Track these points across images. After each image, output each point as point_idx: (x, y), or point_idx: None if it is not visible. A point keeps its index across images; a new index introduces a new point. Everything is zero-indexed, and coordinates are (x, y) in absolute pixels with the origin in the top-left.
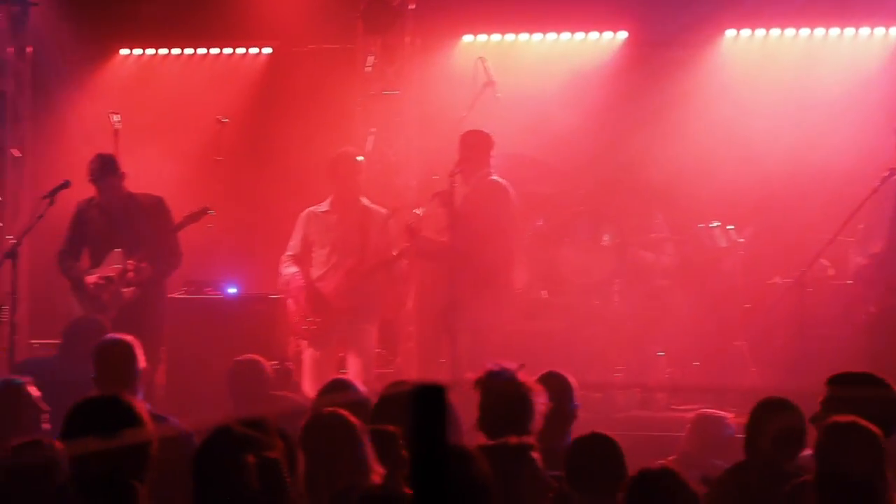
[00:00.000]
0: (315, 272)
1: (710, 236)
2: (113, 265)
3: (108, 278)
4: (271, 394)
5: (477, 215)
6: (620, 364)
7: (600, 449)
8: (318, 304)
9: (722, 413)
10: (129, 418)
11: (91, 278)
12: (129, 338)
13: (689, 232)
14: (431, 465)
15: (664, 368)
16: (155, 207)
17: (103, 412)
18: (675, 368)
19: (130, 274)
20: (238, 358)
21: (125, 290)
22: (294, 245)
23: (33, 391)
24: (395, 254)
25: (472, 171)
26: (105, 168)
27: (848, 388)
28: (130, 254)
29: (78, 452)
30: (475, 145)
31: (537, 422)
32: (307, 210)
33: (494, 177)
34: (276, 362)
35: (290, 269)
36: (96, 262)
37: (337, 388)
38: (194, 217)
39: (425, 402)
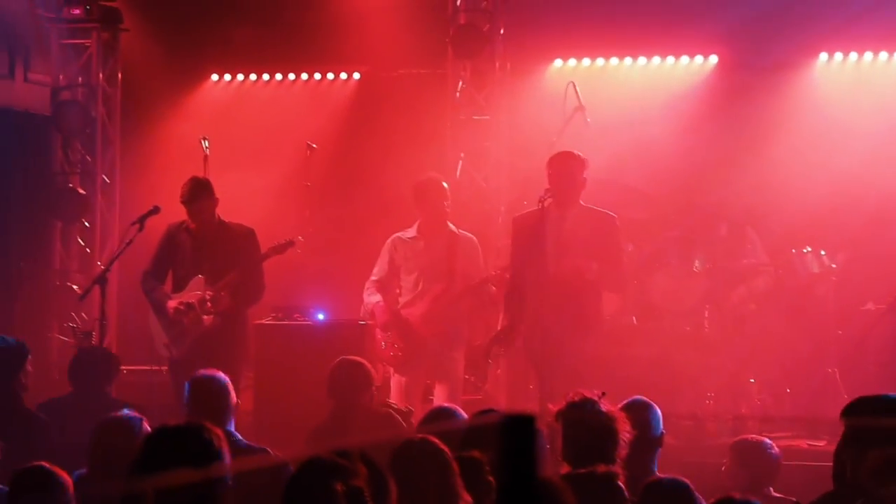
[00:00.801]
0: (402, 298)
1: (803, 261)
2: (195, 291)
3: (188, 304)
4: (378, 407)
5: (582, 245)
6: (711, 391)
7: (673, 495)
8: (404, 330)
9: (761, 437)
10: (204, 447)
11: (172, 303)
12: (221, 374)
13: (782, 257)
14: (521, 496)
15: (755, 395)
16: (245, 238)
17: (178, 441)
18: (766, 395)
19: (208, 304)
20: (344, 357)
21: (205, 317)
22: (379, 271)
23: (147, 427)
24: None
25: (566, 196)
26: (197, 191)
27: (867, 418)
28: (212, 282)
29: (154, 483)
30: (569, 168)
31: (622, 450)
32: (393, 236)
33: (596, 207)
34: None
35: (372, 298)
36: (179, 287)
37: (440, 417)
38: (280, 248)
39: (515, 431)
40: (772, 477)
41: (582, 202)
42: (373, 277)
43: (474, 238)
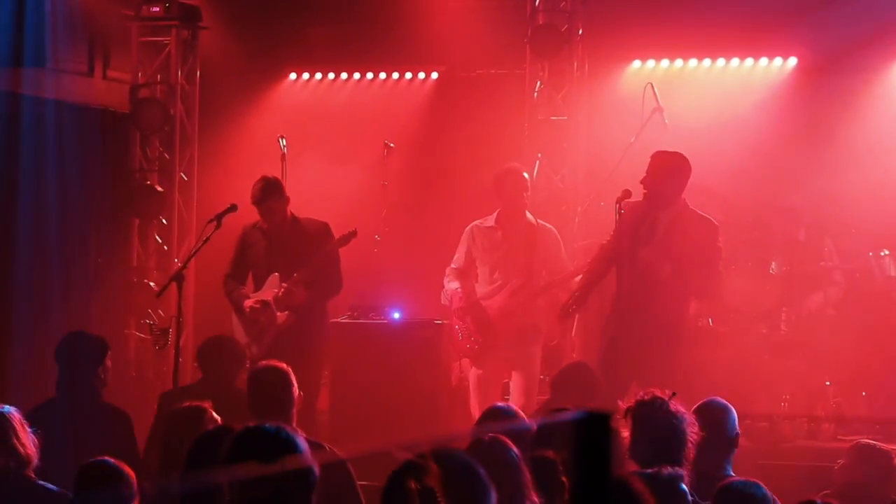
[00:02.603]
0: (479, 289)
1: (880, 265)
2: (271, 288)
3: (264, 302)
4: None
5: (683, 250)
6: (786, 393)
7: (748, 497)
8: (481, 323)
9: (880, 443)
10: (292, 448)
11: (249, 302)
12: (283, 365)
13: (859, 260)
14: (595, 495)
15: (831, 398)
16: (319, 233)
17: (267, 441)
18: (842, 398)
19: (282, 298)
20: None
21: (279, 313)
22: (458, 259)
23: (216, 417)
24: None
25: (659, 195)
26: (267, 191)
27: None
28: (286, 278)
29: (241, 478)
30: (665, 167)
31: (689, 451)
32: (472, 224)
33: (697, 210)
34: None
35: (452, 285)
36: (258, 286)
37: (499, 416)
38: (343, 240)
39: (590, 430)
40: (887, 482)
41: (687, 204)
42: (452, 265)
43: (554, 229)
